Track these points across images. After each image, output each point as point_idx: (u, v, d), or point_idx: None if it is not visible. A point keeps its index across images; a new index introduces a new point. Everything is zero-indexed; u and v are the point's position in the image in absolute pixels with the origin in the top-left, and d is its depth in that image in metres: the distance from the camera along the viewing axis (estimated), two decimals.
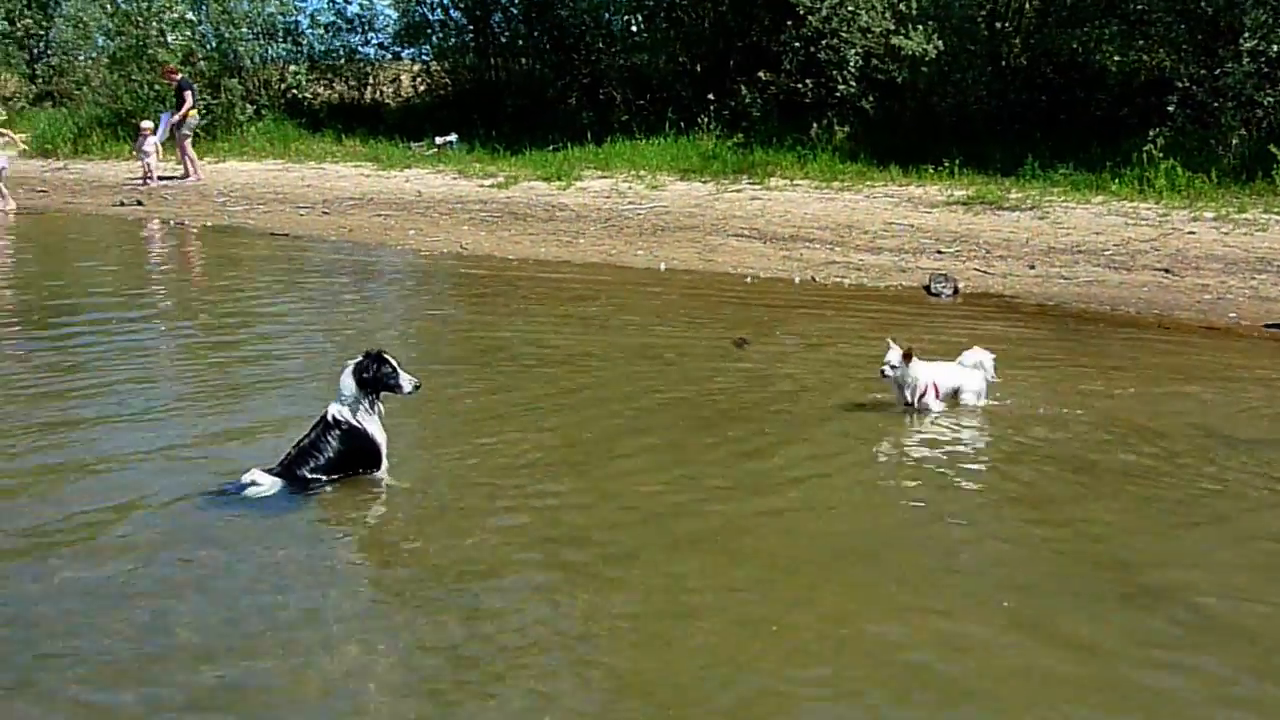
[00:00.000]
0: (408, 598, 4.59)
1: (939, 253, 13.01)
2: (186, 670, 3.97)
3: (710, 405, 7.32)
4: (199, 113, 21.71)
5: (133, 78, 25.00)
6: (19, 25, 31.29)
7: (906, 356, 6.88)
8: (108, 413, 6.89)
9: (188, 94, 21.04)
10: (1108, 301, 10.84)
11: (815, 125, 18.62)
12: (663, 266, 13.01)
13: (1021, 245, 13.04)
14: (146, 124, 21.13)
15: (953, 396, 7.11)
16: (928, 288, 11.52)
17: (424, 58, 26.87)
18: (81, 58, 29.22)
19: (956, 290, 11.42)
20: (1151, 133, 15.00)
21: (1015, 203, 14.67)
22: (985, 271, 12.17)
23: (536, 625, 4.32)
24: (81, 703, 3.81)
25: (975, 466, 6.31)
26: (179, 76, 21.64)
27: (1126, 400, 7.46)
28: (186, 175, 21.19)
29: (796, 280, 12.14)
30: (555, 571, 4.82)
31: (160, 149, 21.44)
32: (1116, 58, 17.05)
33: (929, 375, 6.99)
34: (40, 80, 31.65)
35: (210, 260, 14.35)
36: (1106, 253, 12.49)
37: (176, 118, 20.94)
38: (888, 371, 6.91)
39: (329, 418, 5.64)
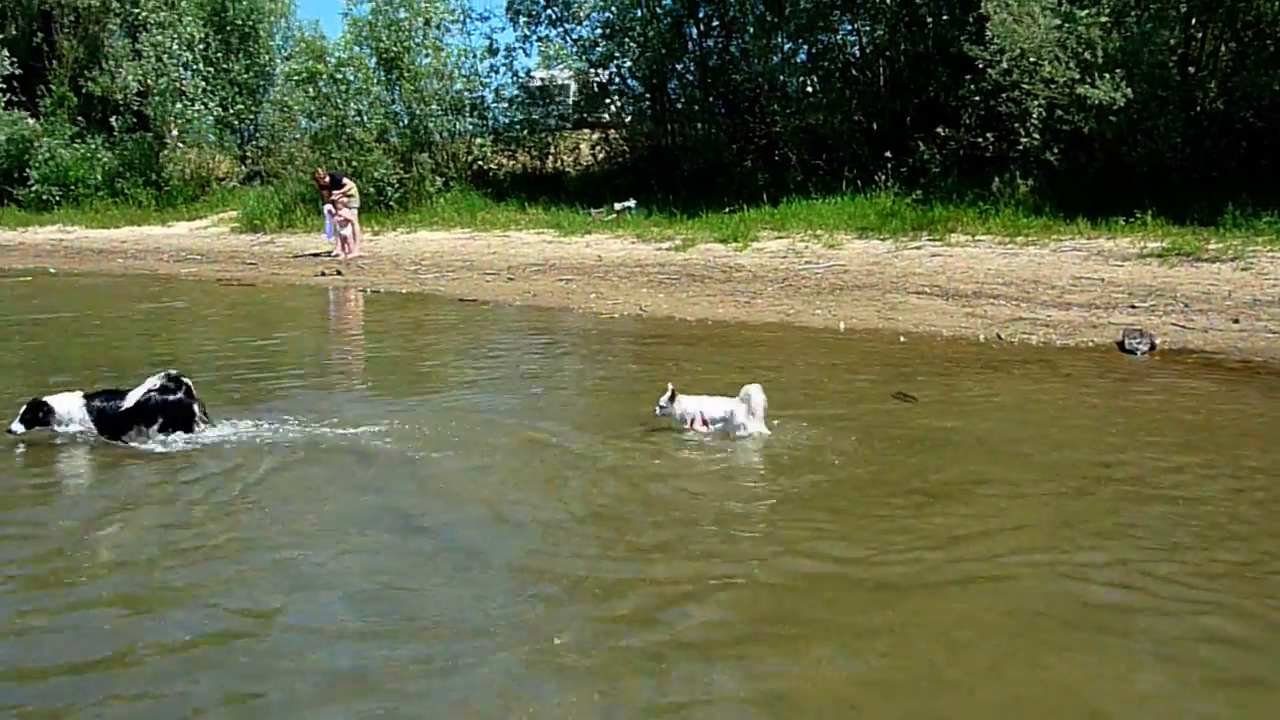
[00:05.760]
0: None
1: (1133, 307, 12.51)
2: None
3: (891, 463, 7.22)
4: (356, 191, 22.71)
5: (332, 155, 26.50)
6: (231, 111, 33.60)
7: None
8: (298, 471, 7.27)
9: (344, 182, 22.24)
10: None
11: (997, 179, 18.26)
12: (842, 326, 12.91)
13: (1223, 298, 12.42)
14: (345, 200, 22.20)
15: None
16: (1121, 344, 11.07)
17: (602, 126, 27.61)
18: (286, 139, 31.10)
19: (1153, 346, 10.94)
20: None
21: (1215, 254, 14.00)
22: (1184, 326, 11.63)
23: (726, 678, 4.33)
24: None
25: (1184, 530, 5.99)
26: (327, 179, 22.76)
27: None
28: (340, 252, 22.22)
29: (981, 338, 11.87)
30: (742, 625, 4.83)
31: (357, 223, 22.55)
32: None
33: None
34: (249, 161, 33.89)
35: (404, 325, 14.95)
36: None
37: (333, 209, 22.13)
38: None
39: None
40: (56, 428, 7.88)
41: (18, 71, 39.71)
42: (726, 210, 20.93)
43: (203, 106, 32.79)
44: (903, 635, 4.73)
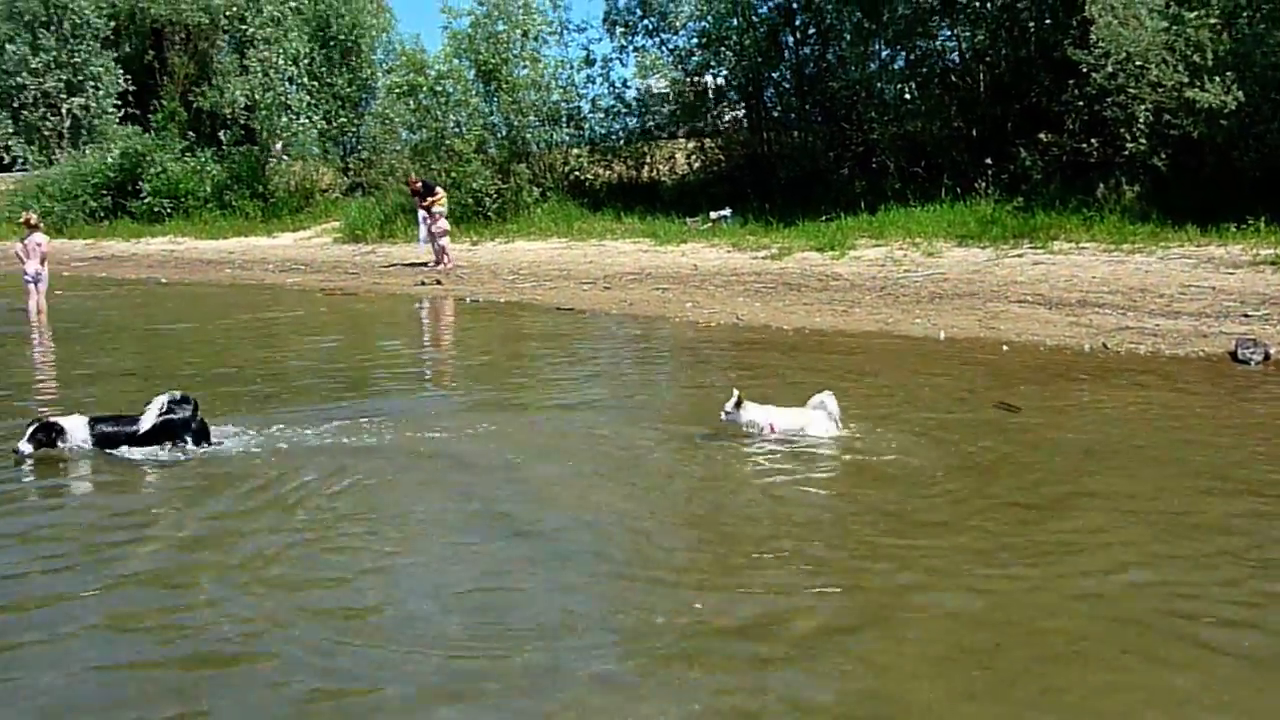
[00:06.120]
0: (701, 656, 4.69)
1: (1245, 316, 12.14)
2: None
3: (994, 474, 7.13)
4: (446, 201, 23.04)
5: (432, 166, 26.93)
6: (334, 124, 34.39)
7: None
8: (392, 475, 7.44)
9: (437, 190, 22.64)
10: None
11: (1101, 185, 17.86)
12: (942, 335, 12.76)
13: None
14: (438, 209, 22.58)
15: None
16: (1234, 354, 10.75)
17: (698, 135, 27.59)
18: (387, 151, 31.71)
19: (1267, 356, 10.60)
20: None
21: None
22: None
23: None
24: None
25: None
26: (419, 185, 23.19)
27: None
28: (437, 262, 22.56)
29: (1086, 347, 11.62)
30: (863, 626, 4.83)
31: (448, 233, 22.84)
32: None
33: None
34: (351, 172, 34.63)
35: (502, 333, 15.18)
36: None
37: (425, 213, 22.52)
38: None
39: None
40: (64, 448, 7.96)
41: (131, 88, 41.27)
42: (823, 219, 20.80)
43: (307, 120, 33.57)
44: (1001, 656, 4.65)
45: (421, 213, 23.04)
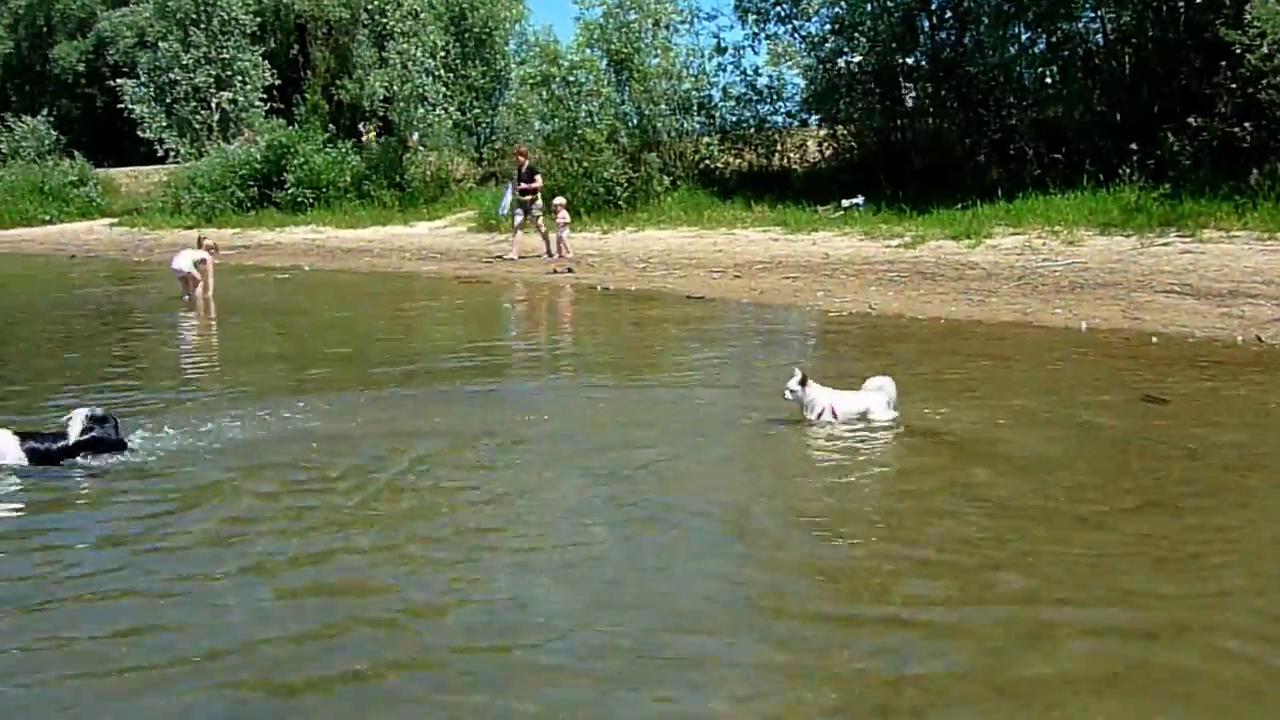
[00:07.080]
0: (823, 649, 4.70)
1: None
2: None
3: (1141, 472, 6.95)
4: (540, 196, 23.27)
5: (564, 155, 27.23)
6: (469, 115, 35.03)
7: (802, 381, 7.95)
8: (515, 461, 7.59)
9: (536, 177, 22.95)
10: None
11: (1256, 171, 17.11)
12: (1084, 325, 12.43)
13: None
14: (559, 200, 22.87)
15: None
16: None
17: (831, 122, 27.29)
18: (520, 141, 32.14)
19: None
20: None
21: None
22: None
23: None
24: None
25: None
26: (526, 163, 23.47)
27: None
28: (549, 252, 22.82)
29: (1239, 339, 11.19)
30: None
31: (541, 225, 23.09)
32: None
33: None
34: (485, 163, 35.22)
35: (633, 320, 15.29)
36: None
37: (518, 193, 22.73)
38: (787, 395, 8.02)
39: None
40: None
41: (276, 82, 42.75)
42: (959, 206, 20.39)
43: (443, 111, 34.24)
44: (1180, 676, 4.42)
45: (509, 185, 23.28)
